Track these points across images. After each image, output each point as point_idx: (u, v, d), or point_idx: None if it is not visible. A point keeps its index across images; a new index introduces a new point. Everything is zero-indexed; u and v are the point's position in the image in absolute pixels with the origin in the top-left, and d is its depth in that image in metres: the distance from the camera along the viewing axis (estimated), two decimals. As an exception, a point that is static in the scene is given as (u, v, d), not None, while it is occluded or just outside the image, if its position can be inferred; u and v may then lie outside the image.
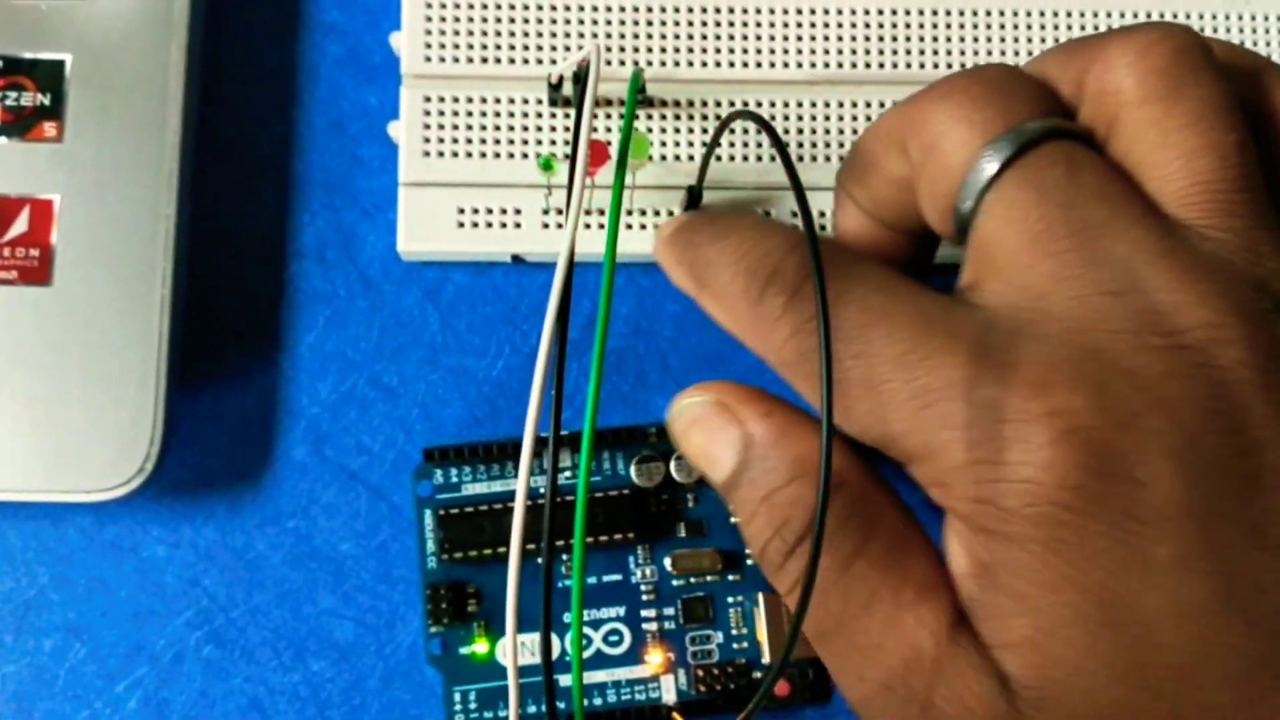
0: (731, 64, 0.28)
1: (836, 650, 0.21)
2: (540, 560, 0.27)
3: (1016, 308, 0.19)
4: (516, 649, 0.21)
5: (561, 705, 0.27)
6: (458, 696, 0.27)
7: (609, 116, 0.28)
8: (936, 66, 0.29)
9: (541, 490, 0.28)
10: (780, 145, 0.21)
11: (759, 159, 0.28)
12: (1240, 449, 0.18)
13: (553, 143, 0.28)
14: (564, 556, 0.28)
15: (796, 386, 0.22)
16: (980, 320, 0.19)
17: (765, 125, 0.21)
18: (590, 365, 0.21)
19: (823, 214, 0.28)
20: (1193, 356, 0.18)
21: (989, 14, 0.29)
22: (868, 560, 0.20)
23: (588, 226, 0.28)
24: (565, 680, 0.27)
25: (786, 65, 0.28)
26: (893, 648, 0.20)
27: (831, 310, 0.19)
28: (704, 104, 0.28)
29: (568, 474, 0.28)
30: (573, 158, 0.21)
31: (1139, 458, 0.18)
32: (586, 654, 0.27)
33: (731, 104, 0.28)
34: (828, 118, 0.28)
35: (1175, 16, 0.29)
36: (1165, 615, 0.18)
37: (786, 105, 0.28)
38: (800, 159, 0.28)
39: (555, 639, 0.27)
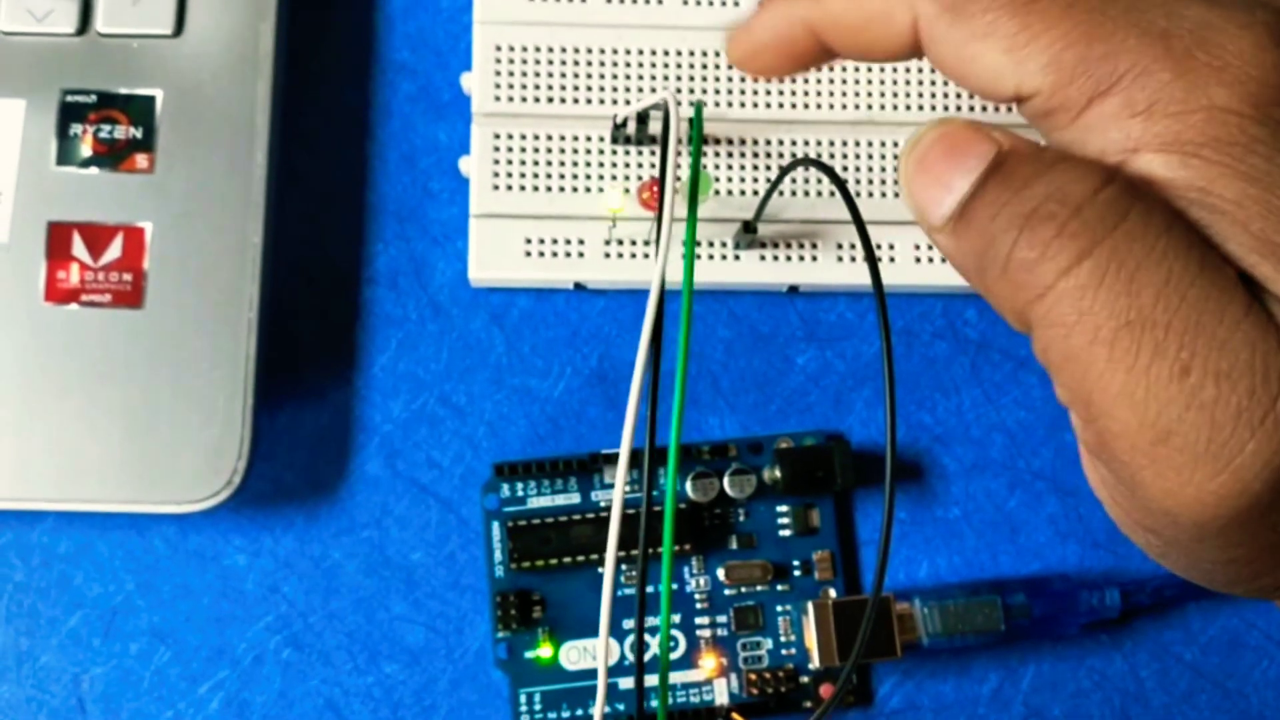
0: (782, 105, 0.30)
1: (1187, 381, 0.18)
2: (601, 570, 0.29)
3: None
4: (606, 650, 0.23)
5: (621, 707, 0.29)
6: (523, 698, 0.29)
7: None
8: (973, 110, 0.31)
9: (602, 504, 0.29)
10: (843, 187, 0.23)
11: (806, 194, 0.30)
12: None
13: (614, 178, 0.30)
14: (623, 566, 0.29)
15: None
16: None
17: (829, 171, 0.23)
18: (674, 385, 0.23)
19: (879, 245, 0.30)
20: None
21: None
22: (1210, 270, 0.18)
23: (646, 256, 0.30)
24: (627, 683, 0.29)
25: (833, 107, 0.30)
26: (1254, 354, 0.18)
27: None
28: (755, 142, 0.30)
29: (626, 489, 0.30)
30: (660, 200, 0.22)
31: None
32: (644, 658, 0.29)
33: (780, 142, 0.30)
34: (870, 156, 0.30)
35: None
36: None
37: (833, 144, 0.30)
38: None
39: (614, 643, 0.29)
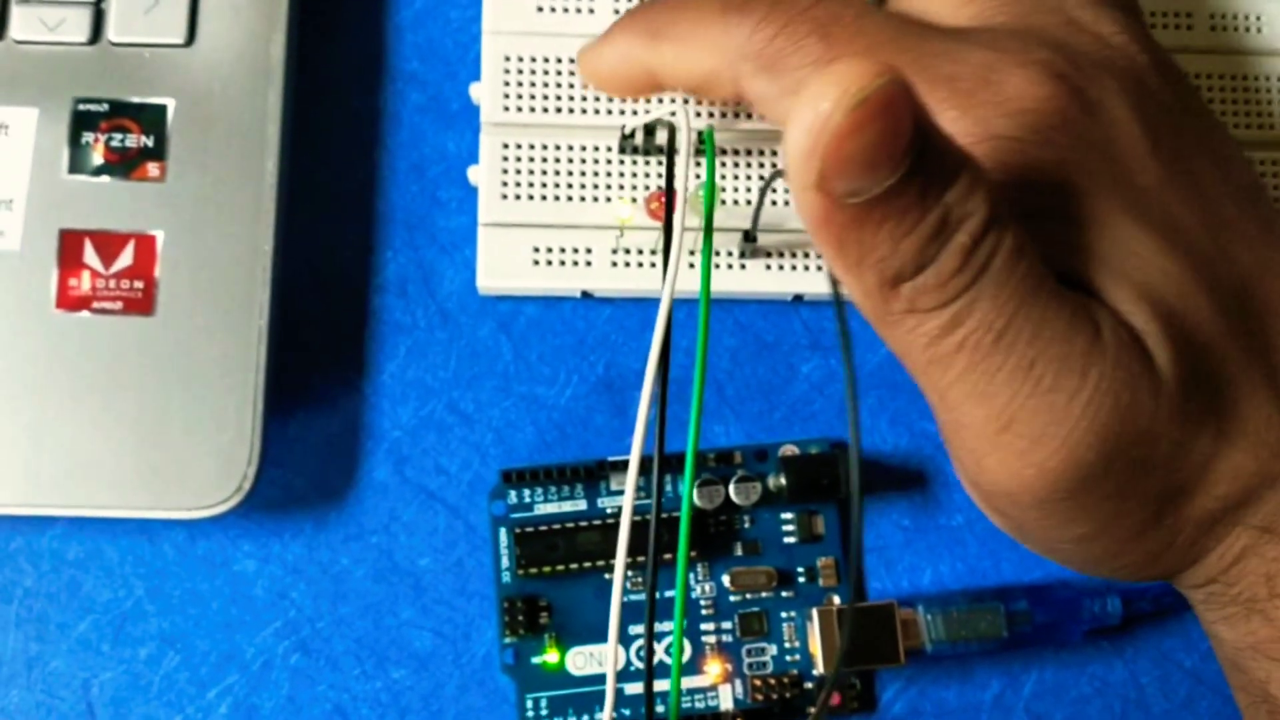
0: (788, 117, 0.31)
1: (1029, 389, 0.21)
2: (607, 576, 0.29)
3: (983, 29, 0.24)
4: (616, 656, 0.23)
5: (627, 712, 0.29)
6: (530, 703, 0.29)
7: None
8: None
9: (608, 511, 0.30)
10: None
11: (812, 205, 0.30)
12: (1181, 105, 0.23)
13: (621, 188, 0.30)
14: (628, 573, 0.29)
15: None
16: (958, 34, 0.24)
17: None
18: (691, 394, 0.23)
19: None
20: (1120, 48, 0.23)
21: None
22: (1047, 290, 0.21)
23: (653, 265, 0.30)
24: (633, 688, 0.29)
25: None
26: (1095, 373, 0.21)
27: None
28: (762, 153, 0.30)
29: (636, 496, 0.30)
30: (668, 214, 0.23)
31: (1106, 101, 0.22)
32: (653, 663, 0.29)
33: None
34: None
35: None
36: (1162, 231, 0.22)
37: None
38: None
39: (622, 650, 0.29)
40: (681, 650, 0.22)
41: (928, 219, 0.19)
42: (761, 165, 0.30)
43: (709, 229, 0.24)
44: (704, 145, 0.25)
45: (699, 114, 0.30)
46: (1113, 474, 0.21)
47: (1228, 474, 0.21)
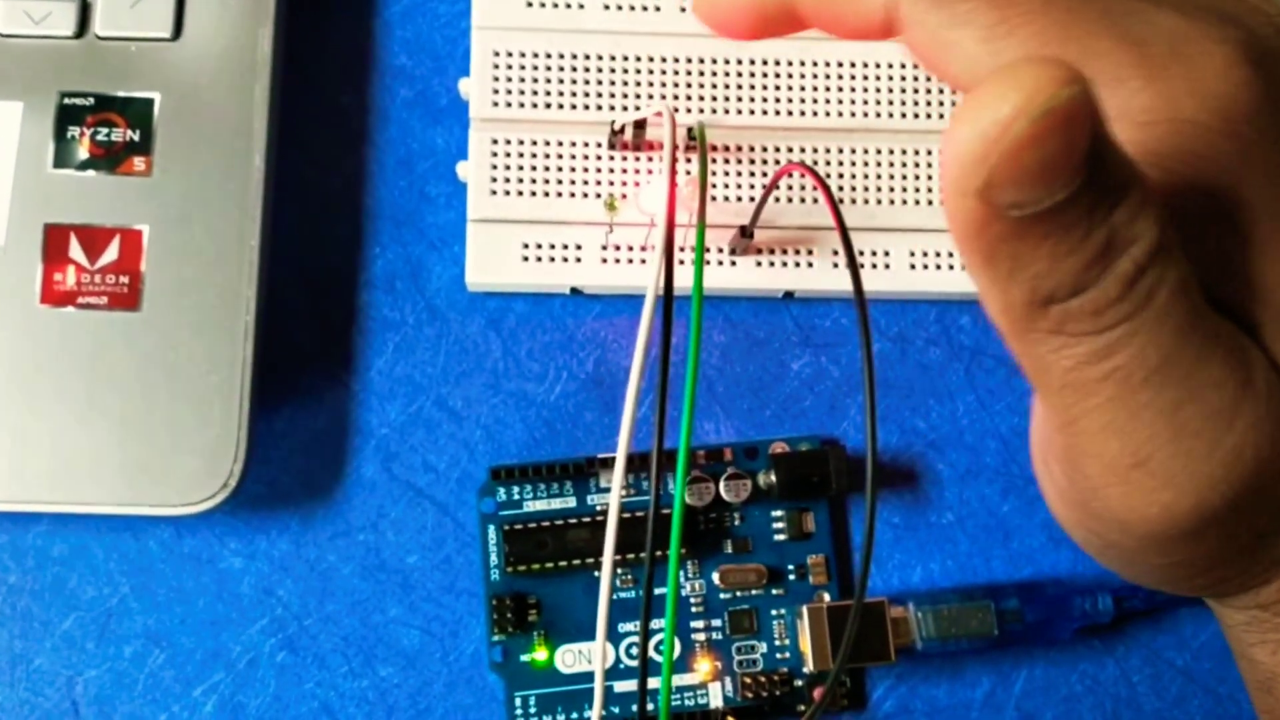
0: (779, 112, 0.30)
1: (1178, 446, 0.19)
2: (596, 574, 0.29)
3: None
4: (604, 653, 0.23)
5: (616, 710, 0.29)
6: (519, 701, 0.29)
7: (661, 159, 0.30)
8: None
9: (598, 508, 0.29)
10: (827, 191, 0.23)
11: (803, 201, 0.30)
12: None
13: (610, 183, 0.30)
14: (617, 570, 0.29)
15: None
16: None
17: (814, 175, 0.23)
18: (682, 390, 0.23)
19: (862, 252, 0.30)
20: None
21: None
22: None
23: (643, 262, 0.30)
24: (622, 686, 0.29)
25: (829, 114, 0.31)
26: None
27: None
28: (752, 149, 0.30)
29: (624, 493, 0.30)
30: (670, 211, 0.23)
31: None
32: (638, 662, 0.29)
33: (776, 149, 0.30)
34: (866, 163, 0.30)
35: None
36: None
37: (829, 151, 0.30)
38: (842, 201, 0.30)
39: (610, 647, 0.29)
40: (673, 648, 0.22)
41: (1093, 238, 0.17)
42: (752, 162, 0.30)
43: (702, 225, 0.23)
44: (695, 141, 0.25)
45: (689, 110, 0.30)
46: (1235, 513, 0.20)
47: None
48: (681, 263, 0.30)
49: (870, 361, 0.20)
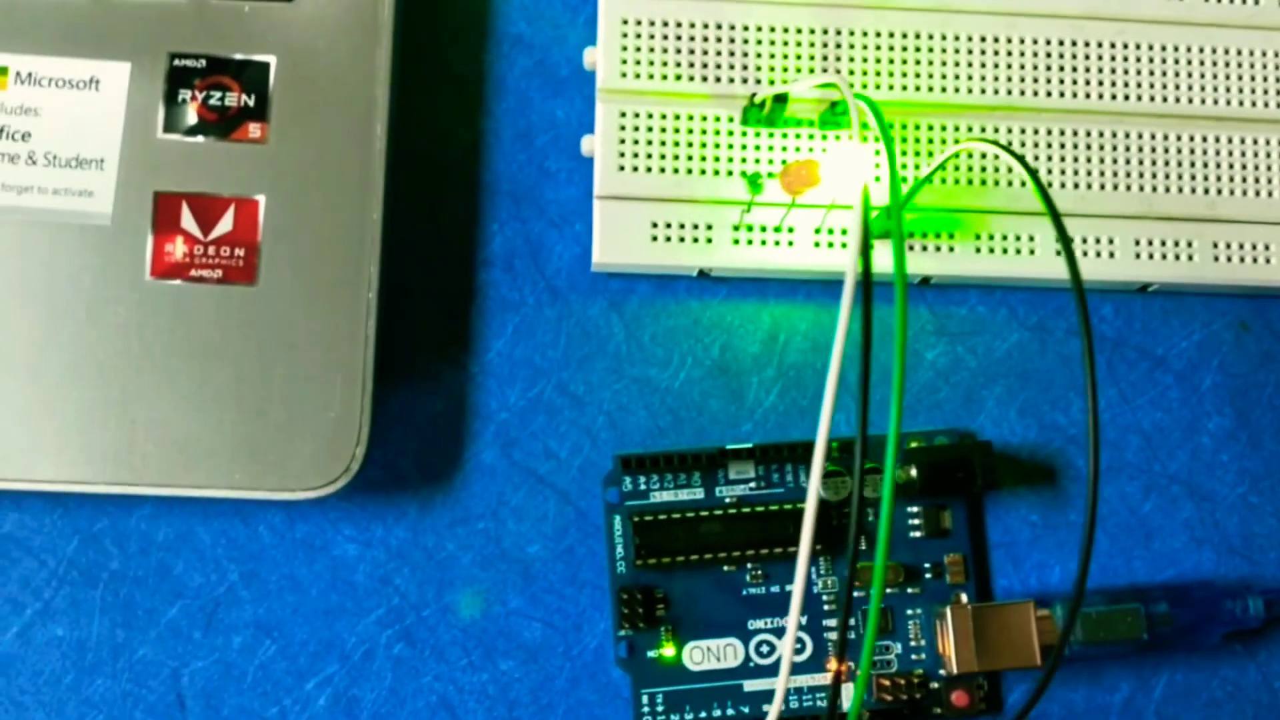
0: (931, 89, 0.29)
1: None
2: (727, 569, 0.28)
3: None
4: (792, 647, 0.22)
5: (745, 710, 0.28)
6: (645, 699, 0.28)
7: (798, 136, 0.29)
8: (1165, 100, 0.29)
9: (728, 500, 0.28)
10: (1034, 175, 0.22)
11: (944, 182, 0.29)
12: None
13: (744, 160, 0.29)
14: (748, 565, 0.28)
15: None
16: None
17: (1018, 158, 0.22)
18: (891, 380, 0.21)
19: (1017, 237, 0.29)
20: None
21: (1171, 49, 0.30)
22: None
23: (777, 244, 0.29)
24: (750, 685, 0.28)
25: (970, 91, 0.29)
26: None
27: None
28: (904, 126, 0.29)
29: (751, 485, 0.28)
30: (864, 202, 0.21)
31: None
32: (768, 661, 0.28)
33: (931, 127, 0.29)
34: (1022, 146, 0.29)
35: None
36: None
37: (983, 130, 0.29)
38: (984, 184, 0.29)
39: (739, 644, 0.28)
40: (798, 648, 0.21)
41: None
42: (905, 140, 0.29)
43: (898, 216, 0.22)
44: (875, 117, 0.24)
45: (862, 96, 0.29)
46: None
47: None
48: (816, 246, 0.29)
49: (1091, 355, 0.19)
